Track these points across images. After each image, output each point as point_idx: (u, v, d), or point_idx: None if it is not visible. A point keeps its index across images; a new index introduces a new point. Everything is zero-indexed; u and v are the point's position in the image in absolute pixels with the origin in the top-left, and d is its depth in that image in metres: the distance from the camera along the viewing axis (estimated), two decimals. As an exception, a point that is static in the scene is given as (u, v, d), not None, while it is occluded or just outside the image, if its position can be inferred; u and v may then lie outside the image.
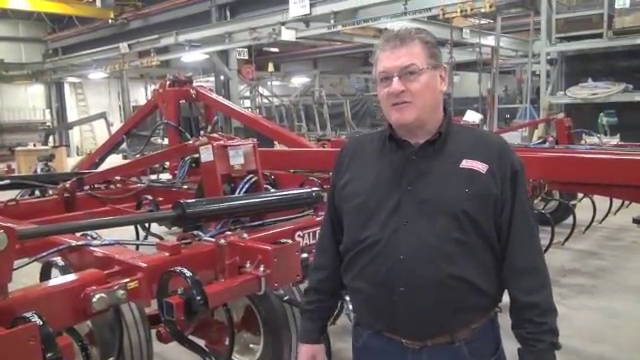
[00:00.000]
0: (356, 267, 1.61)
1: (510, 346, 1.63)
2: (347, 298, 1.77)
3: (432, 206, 1.51)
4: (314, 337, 1.78)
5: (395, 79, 1.51)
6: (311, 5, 12.53)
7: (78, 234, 2.84)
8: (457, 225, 1.49)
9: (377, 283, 1.55)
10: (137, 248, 3.27)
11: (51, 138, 19.40)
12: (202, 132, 5.39)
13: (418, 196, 1.52)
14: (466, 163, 1.53)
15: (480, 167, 1.52)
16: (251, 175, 3.46)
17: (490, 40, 15.48)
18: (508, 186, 1.53)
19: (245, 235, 2.70)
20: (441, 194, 1.51)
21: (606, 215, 6.73)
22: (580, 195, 6.76)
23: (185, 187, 4.61)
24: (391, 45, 1.54)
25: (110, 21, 19.34)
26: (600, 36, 9.50)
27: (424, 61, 1.52)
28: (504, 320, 1.64)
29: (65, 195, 4.64)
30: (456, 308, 1.52)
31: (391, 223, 1.53)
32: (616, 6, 9.22)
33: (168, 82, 5.88)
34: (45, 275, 2.45)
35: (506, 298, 1.62)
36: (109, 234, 2.84)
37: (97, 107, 23.57)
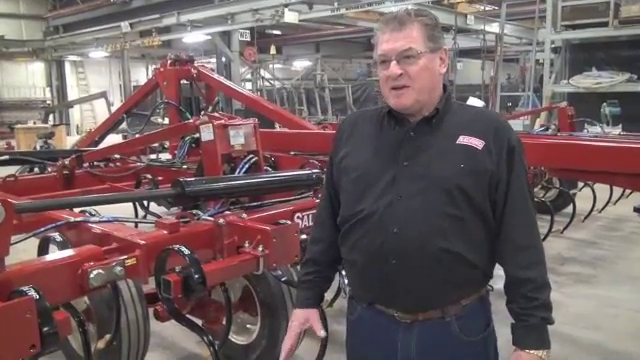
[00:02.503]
0: (351, 239, 1.63)
1: (503, 331, 1.63)
2: (343, 272, 1.78)
3: (427, 181, 1.52)
4: (309, 303, 1.79)
5: (393, 62, 1.52)
6: (315, -13, 12.43)
7: (76, 210, 2.83)
8: (451, 200, 1.51)
9: (370, 255, 1.57)
10: (136, 226, 3.26)
11: (51, 116, 19.37)
12: (203, 112, 5.35)
13: (414, 171, 1.54)
14: (463, 139, 1.54)
15: (476, 143, 1.53)
16: (251, 155, 3.44)
17: (494, 27, 15.38)
18: (504, 162, 1.54)
19: (244, 215, 2.69)
20: (436, 170, 1.53)
21: (606, 204, 6.74)
22: (580, 184, 6.75)
23: (185, 167, 4.59)
24: (390, 28, 1.54)
25: (112, -1, 19.17)
26: (606, 25, 9.44)
27: (423, 45, 1.52)
28: (498, 305, 1.65)
29: (64, 172, 4.62)
30: (447, 282, 1.54)
31: (386, 197, 1.54)
32: (623, -6, 9.15)
33: (169, 61, 5.82)
34: (43, 251, 2.44)
35: (500, 284, 1.62)
36: (107, 212, 2.82)
37: (98, 86, 23.47)
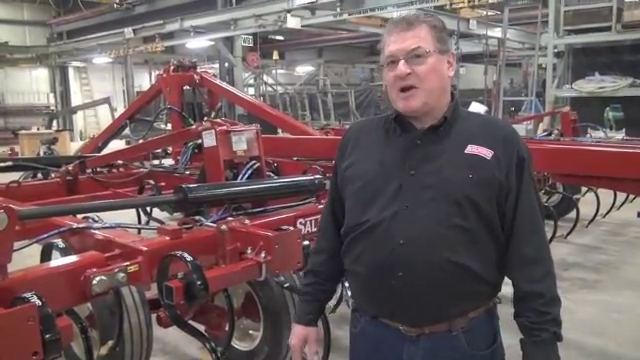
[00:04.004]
0: (355, 250, 1.60)
1: (508, 340, 1.62)
2: (347, 284, 1.76)
3: (434, 191, 1.49)
4: (309, 319, 1.77)
5: (401, 62, 1.49)
6: (318, -8, 12.46)
7: (79, 217, 2.83)
8: (459, 211, 1.47)
9: (376, 267, 1.53)
10: (139, 232, 3.26)
11: (55, 122, 19.42)
12: (205, 118, 5.37)
13: (421, 181, 1.50)
14: (471, 149, 1.51)
15: (485, 153, 1.50)
16: (254, 161, 3.44)
17: (497, 32, 15.37)
18: (514, 173, 1.51)
19: (247, 221, 2.68)
20: (444, 179, 1.49)
21: (610, 209, 6.70)
22: (584, 189, 6.73)
23: (187, 172, 4.59)
24: (399, 29, 1.52)
25: (115, 5, 19.27)
26: (608, 29, 9.44)
27: (431, 45, 1.50)
28: (504, 313, 1.63)
29: (67, 178, 4.62)
30: (454, 294, 1.50)
31: (392, 207, 1.51)
32: (625, -1, 9.16)
33: (172, 67, 5.85)
34: (46, 257, 2.44)
35: (505, 290, 1.60)
36: (110, 218, 2.83)
37: (101, 92, 23.58)
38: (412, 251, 1.48)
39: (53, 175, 4.95)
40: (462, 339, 1.52)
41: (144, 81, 24.67)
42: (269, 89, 22.16)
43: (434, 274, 1.48)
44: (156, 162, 5.87)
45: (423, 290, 1.49)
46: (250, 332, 3.27)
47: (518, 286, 1.54)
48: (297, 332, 1.77)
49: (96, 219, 2.75)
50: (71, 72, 25.78)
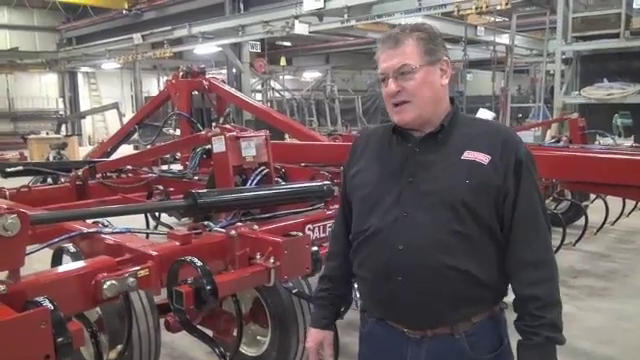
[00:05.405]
0: (361, 256, 1.65)
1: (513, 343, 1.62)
2: (355, 286, 1.80)
3: (432, 198, 1.52)
4: (325, 323, 1.82)
5: (390, 80, 1.55)
6: (325, -1, 12.50)
7: (90, 221, 2.86)
8: (456, 217, 1.50)
9: (378, 272, 1.59)
10: (147, 237, 3.28)
11: (63, 127, 19.55)
12: (214, 123, 5.39)
13: (419, 188, 1.54)
14: (468, 155, 1.53)
15: (482, 158, 1.52)
16: (263, 167, 3.46)
17: (505, 38, 15.39)
18: (512, 176, 1.52)
19: (256, 227, 2.70)
20: (441, 186, 1.52)
21: (618, 217, 6.67)
22: (592, 196, 6.70)
23: (196, 178, 4.61)
24: (386, 46, 1.57)
25: (124, 11, 19.42)
26: (617, 36, 9.41)
27: (419, 59, 1.53)
28: (512, 318, 1.63)
29: (77, 183, 4.65)
30: (454, 299, 1.52)
31: (392, 214, 1.55)
32: (634, 6, 9.15)
33: (181, 73, 5.88)
34: (57, 261, 2.46)
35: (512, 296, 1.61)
36: (119, 222, 2.84)
37: (109, 97, 23.74)
38: (411, 257, 1.52)
39: (63, 180, 4.99)
40: (464, 342, 1.55)
41: (152, 86, 24.85)
42: (276, 95, 22.22)
43: (433, 279, 1.51)
44: (165, 167, 5.90)
45: (422, 294, 1.53)
46: (258, 338, 3.28)
47: (516, 290, 1.56)
48: (313, 335, 1.82)
49: (106, 224, 2.77)
50: (80, 77, 26.00)
